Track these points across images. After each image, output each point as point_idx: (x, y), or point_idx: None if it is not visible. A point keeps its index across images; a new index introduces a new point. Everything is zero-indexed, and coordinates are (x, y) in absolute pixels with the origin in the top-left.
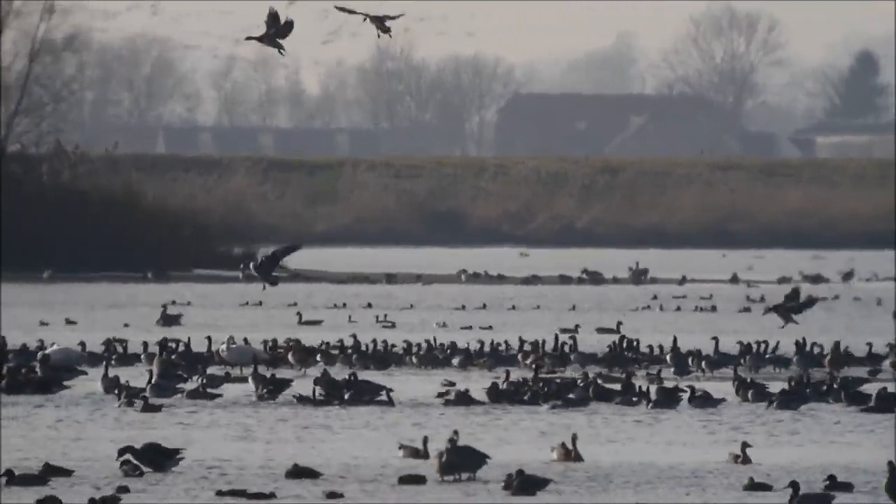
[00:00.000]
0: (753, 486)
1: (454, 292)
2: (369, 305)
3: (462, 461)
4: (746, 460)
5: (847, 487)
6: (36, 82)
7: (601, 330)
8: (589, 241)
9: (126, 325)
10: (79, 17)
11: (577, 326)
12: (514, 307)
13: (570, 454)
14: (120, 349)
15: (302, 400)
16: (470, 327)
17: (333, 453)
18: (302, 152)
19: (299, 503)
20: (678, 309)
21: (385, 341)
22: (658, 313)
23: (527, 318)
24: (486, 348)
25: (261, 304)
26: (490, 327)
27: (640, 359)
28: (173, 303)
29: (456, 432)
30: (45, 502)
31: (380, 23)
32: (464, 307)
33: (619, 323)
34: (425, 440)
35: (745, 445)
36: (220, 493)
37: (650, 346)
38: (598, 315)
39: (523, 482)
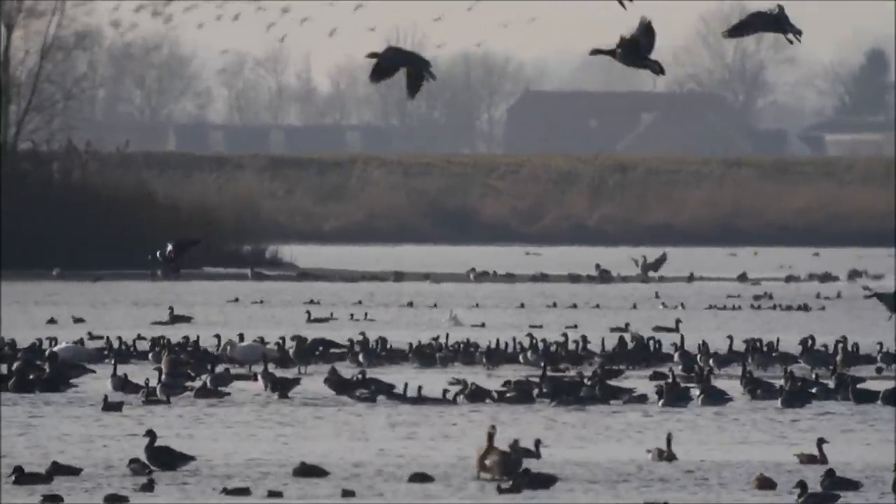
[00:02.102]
0: (763, 485)
1: (477, 290)
2: (355, 304)
3: (518, 464)
4: (823, 459)
5: (853, 485)
6: (47, 80)
7: (658, 328)
8: (599, 239)
9: (155, 323)
10: (91, 18)
11: (626, 325)
12: (554, 304)
13: (662, 454)
14: (130, 347)
15: (363, 399)
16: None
17: (342, 451)
18: (312, 150)
19: (307, 502)
20: (730, 307)
21: (384, 340)
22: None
23: (576, 316)
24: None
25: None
26: (569, 328)
27: (649, 356)
28: (235, 300)
29: (493, 427)
30: (50, 500)
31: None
32: (523, 305)
33: (679, 321)
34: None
35: (821, 442)
36: (226, 492)
37: (658, 343)
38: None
39: (532, 480)
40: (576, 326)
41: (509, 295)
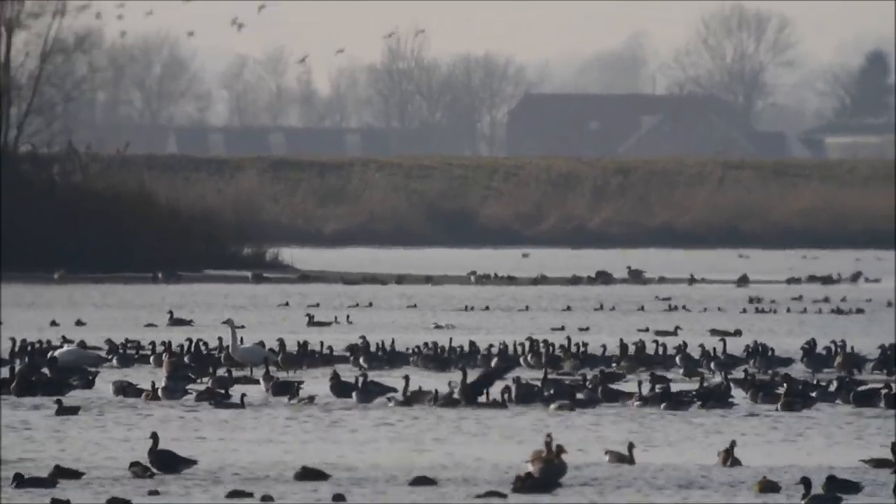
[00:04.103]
0: (766, 488)
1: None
2: (367, 305)
3: (562, 471)
4: None
5: (854, 488)
6: (47, 82)
7: (714, 332)
8: (601, 241)
9: (148, 325)
10: (90, 19)
11: (676, 328)
12: (601, 306)
13: (727, 460)
14: (131, 350)
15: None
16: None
17: (344, 455)
18: (313, 152)
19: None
20: (730, 310)
21: (388, 343)
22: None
23: (576, 319)
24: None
25: (287, 304)
26: (587, 328)
27: (650, 360)
28: (286, 304)
29: (549, 435)
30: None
31: None
32: (567, 308)
33: (738, 331)
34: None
35: None
36: (228, 495)
37: (661, 346)
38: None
39: (534, 484)
40: (590, 328)
41: (510, 297)
